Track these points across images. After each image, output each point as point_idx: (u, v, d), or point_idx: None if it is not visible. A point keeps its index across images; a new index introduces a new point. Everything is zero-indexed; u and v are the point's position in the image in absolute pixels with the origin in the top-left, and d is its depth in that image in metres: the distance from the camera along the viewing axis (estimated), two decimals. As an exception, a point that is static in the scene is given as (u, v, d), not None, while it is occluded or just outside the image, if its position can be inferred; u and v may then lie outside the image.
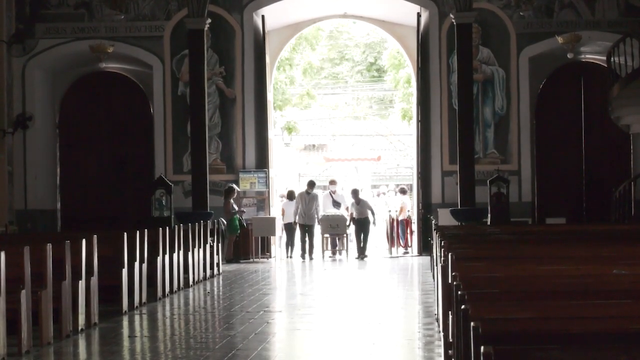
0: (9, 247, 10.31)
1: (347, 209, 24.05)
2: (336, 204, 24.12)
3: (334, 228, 23.24)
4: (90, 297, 12.11)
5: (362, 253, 23.10)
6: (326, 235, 23.47)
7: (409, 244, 24.30)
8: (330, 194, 24.53)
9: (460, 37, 21.58)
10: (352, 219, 23.46)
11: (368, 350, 10.36)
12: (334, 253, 23.60)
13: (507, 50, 22.84)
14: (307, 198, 23.38)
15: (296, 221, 23.31)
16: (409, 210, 25.19)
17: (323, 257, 23.19)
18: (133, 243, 13.99)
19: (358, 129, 46.11)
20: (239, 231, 22.25)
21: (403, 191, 26.52)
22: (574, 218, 22.51)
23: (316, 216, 23.34)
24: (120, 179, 23.56)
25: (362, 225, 23.33)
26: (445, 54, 22.88)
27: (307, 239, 23.22)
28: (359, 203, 23.49)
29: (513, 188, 22.01)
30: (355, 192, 23.87)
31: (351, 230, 24.05)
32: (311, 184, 23.88)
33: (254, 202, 22.96)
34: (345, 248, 23.61)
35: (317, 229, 23.74)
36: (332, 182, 25.46)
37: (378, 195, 31.61)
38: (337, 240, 23.74)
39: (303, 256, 23.04)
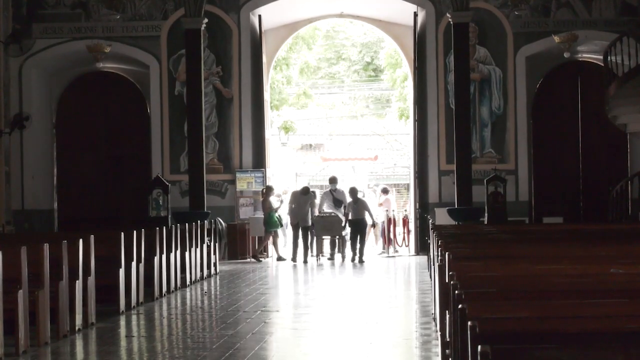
0: (6, 247, 10.31)
1: (344, 208, 22.49)
2: (337, 203, 22.51)
3: (329, 230, 22.22)
4: (87, 297, 12.11)
5: (359, 257, 21.88)
6: (323, 237, 22.54)
7: (397, 243, 24.22)
8: (331, 192, 22.87)
9: (457, 37, 21.58)
10: (348, 220, 22.20)
11: (365, 350, 10.37)
12: (332, 256, 22.47)
13: (504, 49, 22.85)
14: (302, 199, 22.33)
15: (290, 222, 22.58)
16: (394, 210, 25.19)
17: (317, 259, 22.16)
18: (130, 243, 13.99)
19: (355, 129, 46.14)
20: (279, 227, 22.31)
21: (385, 191, 26.53)
22: (571, 217, 22.53)
23: (310, 218, 22.22)
24: (117, 178, 23.56)
25: (359, 227, 22.11)
26: (442, 53, 22.88)
27: (300, 240, 22.12)
28: (357, 202, 22.24)
29: (510, 187, 22.02)
30: (353, 191, 22.59)
31: (347, 231, 22.67)
32: (304, 191, 22.76)
33: (251, 201, 22.95)
34: (341, 251, 22.42)
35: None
36: (333, 180, 23.34)
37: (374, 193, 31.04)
38: (337, 242, 22.52)
39: (294, 259, 21.95)
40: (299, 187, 24.29)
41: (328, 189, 23.57)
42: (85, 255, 12.17)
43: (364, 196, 28.86)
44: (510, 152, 22.84)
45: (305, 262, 21.80)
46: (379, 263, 22.05)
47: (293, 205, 22.46)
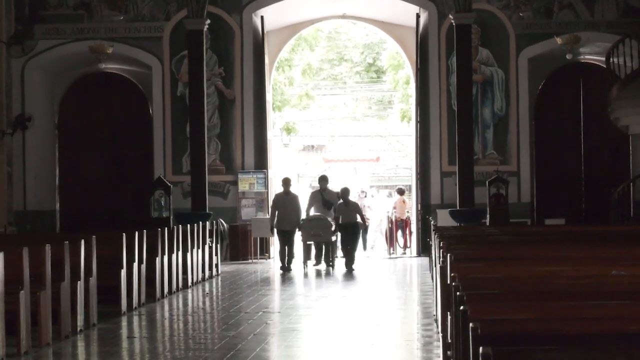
0: (8, 248, 10.31)
1: (333, 210, 20.49)
2: (327, 204, 20.50)
3: (317, 235, 20.10)
4: (89, 297, 12.12)
5: (349, 264, 20.20)
6: (309, 242, 20.37)
7: (408, 245, 24.31)
8: (320, 193, 20.85)
9: (459, 38, 21.58)
10: (338, 223, 20.28)
11: (367, 351, 10.37)
12: (318, 263, 20.66)
13: (506, 51, 22.85)
14: (286, 199, 20.47)
15: (273, 226, 20.36)
16: (407, 211, 25.19)
17: (305, 267, 20.22)
18: (132, 244, 13.99)
19: (357, 130, 46.13)
20: None
21: (401, 191, 26.52)
22: (573, 219, 22.51)
23: (297, 221, 20.34)
24: (119, 179, 23.56)
25: (350, 231, 20.34)
26: (444, 54, 22.88)
27: (286, 247, 20.28)
28: (348, 204, 20.44)
29: (512, 189, 22.01)
30: (345, 192, 20.72)
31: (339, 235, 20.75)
32: (287, 182, 20.92)
33: (253, 202, 22.94)
34: (330, 258, 20.44)
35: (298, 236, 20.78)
36: (323, 179, 21.30)
37: (389, 195, 30.66)
38: (322, 248, 20.60)
39: (283, 268, 20.05)
40: (299, 189, 23.61)
41: (317, 189, 21.39)
42: (87, 256, 12.17)
43: (365, 197, 28.89)
44: (513, 154, 22.83)
45: (289, 269, 20.13)
46: (381, 265, 22.04)
47: (277, 210, 20.36)
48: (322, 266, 20.60)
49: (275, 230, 20.44)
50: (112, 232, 14.47)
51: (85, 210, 23.27)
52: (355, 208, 20.88)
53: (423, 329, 11.83)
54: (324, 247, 20.58)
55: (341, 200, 20.53)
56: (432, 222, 19.04)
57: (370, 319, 12.95)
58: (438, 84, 22.96)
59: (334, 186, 25.85)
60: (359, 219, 20.81)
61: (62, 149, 23.80)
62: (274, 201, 20.78)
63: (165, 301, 15.07)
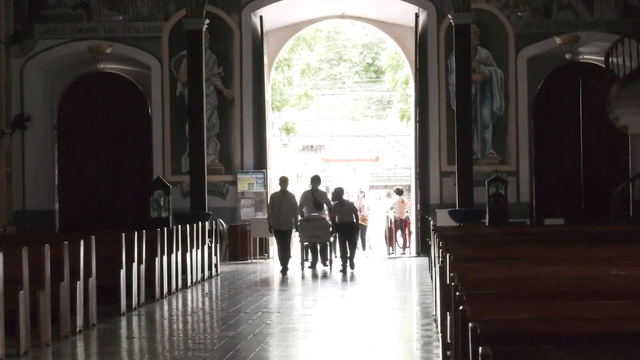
0: (7, 247, 10.31)
1: (329, 211, 20.18)
2: (317, 205, 20.02)
3: (316, 236, 19.79)
4: (88, 298, 12.11)
5: (349, 263, 19.89)
6: (306, 243, 20.15)
7: (407, 245, 24.33)
8: (312, 193, 20.29)
9: (458, 38, 21.58)
10: (335, 223, 19.91)
11: (366, 351, 10.37)
12: (313, 265, 20.35)
13: (505, 50, 22.85)
14: (283, 199, 20.02)
15: (271, 225, 20.01)
16: (407, 211, 25.21)
17: (302, 268, 20.06)
18: (131, 244, 13.99)
19: (356, 130, 46.15)
20: None
21: (399, 192, 26.52)
22: (572, 219, 22.51)
23: (294, 220, 19.90)
24: (118, 179, 23.55)
25: (347, 231, 19.87)
26: (443, 54, 22.88)
27: (283, 247, 19.98)
28: (343, 205, 20.13)
29: (511, 189, 22.01)
30: (338, 192, 20.57)
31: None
32: (284, 181, 20.43)
33: (252, 202, 22.94)
34: (327, 259, 20.23)
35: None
36: (315, 179, 20.76)
37: (388, 195, 30.59)
38: (326, 249, 20.32)
39: (283, 270, 19.62)
40: (302, 189, 23.44)
41: (309, 190, 20.76)
42: (87, 256, 12.17)
43: (364, 197, 28.89)
44: (512, 154, 22.83)
45: (286, 269, 19.74)
46: (380, 264, 22.03)
47: (273, 210, 20.02)
48: (319, 267, 20.38)
49: (273, 229, 20.14)
50: (111, 232, 14.47)
51: (85, 210, 23.26)
52: (351, 208, 20.42)
53: (422, 329, 11.83)
54: (319, 248, 20.38)
55: (337, 201, 20.31)
56: (431, 222, 19.05)
57: (369, 319, 12.95)
58: (437, 83, 22.97)
59: (333, 186, 25.86)
60: (355, 219, 20.41)
61: (61, 148, 23.79)
62: (270, 200, 20.58)
63: (165, 301, 15.07)
